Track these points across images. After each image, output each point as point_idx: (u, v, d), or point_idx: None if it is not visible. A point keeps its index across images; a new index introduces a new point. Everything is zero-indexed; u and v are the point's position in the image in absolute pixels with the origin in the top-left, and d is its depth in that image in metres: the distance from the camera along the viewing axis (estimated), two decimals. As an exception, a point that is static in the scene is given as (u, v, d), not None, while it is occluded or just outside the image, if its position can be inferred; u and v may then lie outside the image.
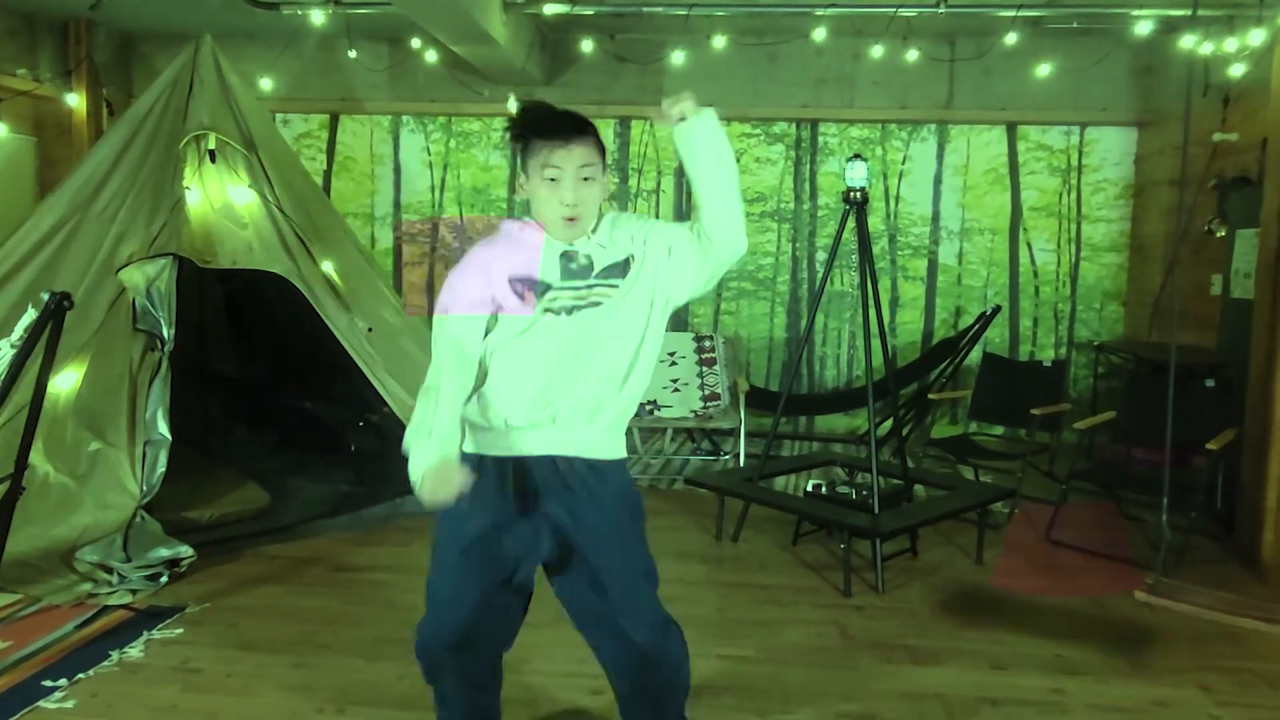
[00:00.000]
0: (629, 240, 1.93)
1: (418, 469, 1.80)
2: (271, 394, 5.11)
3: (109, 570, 3.19)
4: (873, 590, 3.36)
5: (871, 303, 3.57)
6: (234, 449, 4.89)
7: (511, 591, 1.96)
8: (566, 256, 1.89)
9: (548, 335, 1.88)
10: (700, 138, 1.88)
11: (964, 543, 3.83)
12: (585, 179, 1.85)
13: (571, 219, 1.86)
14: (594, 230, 1.91)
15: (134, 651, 2.71)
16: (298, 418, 4.91)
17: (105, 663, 2.63)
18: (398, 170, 6.44)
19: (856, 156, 3.56)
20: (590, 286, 1.89)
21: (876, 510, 3.36)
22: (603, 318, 1.90)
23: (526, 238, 1.92)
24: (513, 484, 1.90)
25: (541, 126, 1.87)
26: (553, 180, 1.84)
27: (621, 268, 1.91)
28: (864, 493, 3.67)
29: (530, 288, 1.88)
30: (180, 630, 2.88)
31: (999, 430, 5.45)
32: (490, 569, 1.92)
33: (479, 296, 1.89)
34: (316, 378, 4.85)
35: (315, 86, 6.30)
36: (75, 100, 5.95)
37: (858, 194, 3.55)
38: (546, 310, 1.88)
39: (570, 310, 1.88)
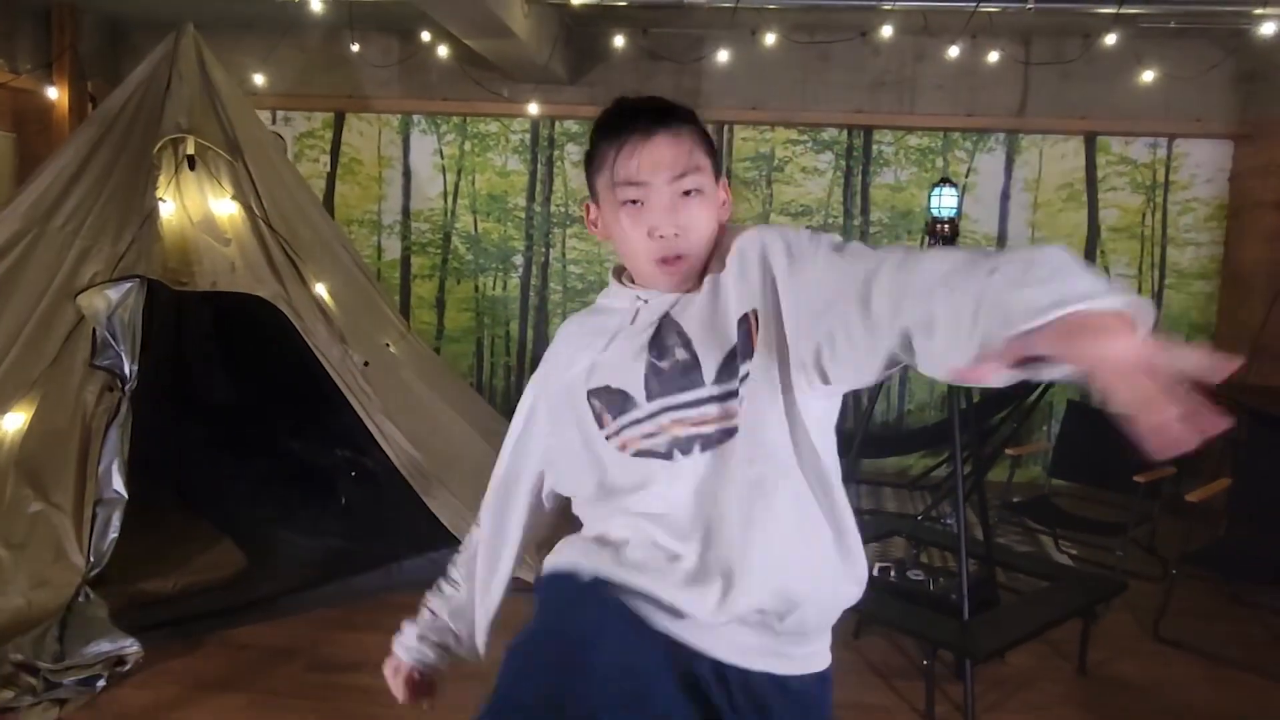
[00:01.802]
0: (744, 282, 1.13)
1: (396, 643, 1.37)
2: (258, 429, 4.56)
3: (35, 672, 2.65)
4: (960, 713, 2.75)
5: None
6: (212, 490, 4.34)
7: None
8: (656, 345, 1.15)
9: (655, 495, 1.13)
10: None
11: (1057, 636, 3.21)
12: (686, 192, 1.15)
13: (671, 259, 1.15)
14: (711, 273, 1.16)
15: (42, 805, 2.17)
16: (285, 458, 4.36)
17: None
18: (407, 174, 5.87)
19: (945, 181, 2.96)
20: (707, 402, 1.11)
21: (967, 615, 2.76)
22: (740, 451, 1.10)
23: (610, 300, 1.25)
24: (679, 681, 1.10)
25: (606, 122, 1.20)
26: (634, 202, 1.15)
27: (744, 349, 1.10)
28: (941, 580, 3.08)
29: (605, 402, 1.17)
30: (106, 769, 2.33)
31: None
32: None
33: (528, 434, 1.32)
34: (307, 412, 4.31)
35: (319, 82, 5.74)
36: (56, 94, 5.42)
37: (946, 226, 2.95)
38: (627, 449, 1.15)
39: (682, 449, 1.12)
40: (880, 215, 5.61)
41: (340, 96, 5.76)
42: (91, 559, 2.99)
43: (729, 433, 1.11)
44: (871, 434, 5.63)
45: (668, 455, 1.13)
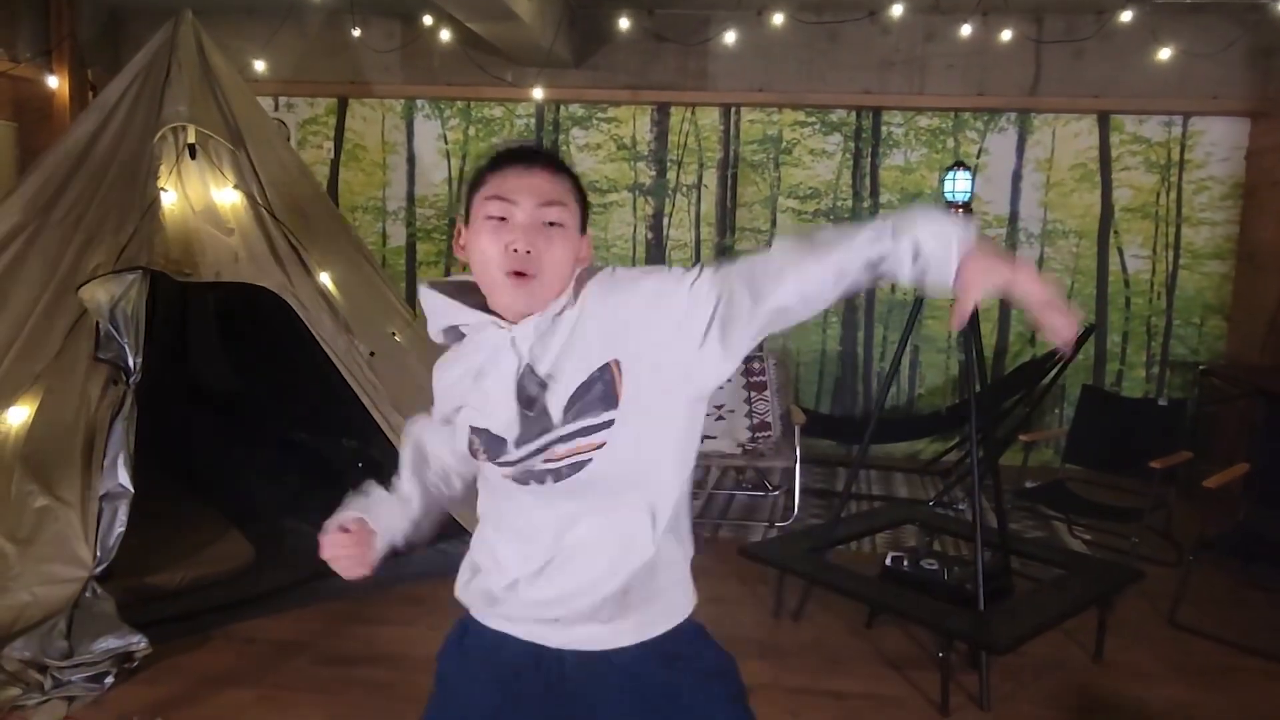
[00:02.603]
0: (604, 331, 1.23)
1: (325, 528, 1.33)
2: (266, 419, 4.54)
3: (43, 669, 2.63)
4: (975, 703, 2.73)
5: (975, 359, 2.92)
6: (220, 481, 4.31)
7: None
8: (522, 392, 1.24)
9: (526, 514, 1.29)
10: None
11: (1071, 624, 3.17)
12: (549, 223, 1.22)
13: (520, 274, 1.21)
14: (560, 311, 1.24)
15: (50, 805, 2.15)
16: (293, 447, 4.34)
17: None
18: (411, 160, 5.82)
19: (960, 165, 2.89)
20: (558, 442, 1.23)
21: (982, 605, 2.73)
22: (598, 484, 1.24)
23: (472, 333, 1.31)
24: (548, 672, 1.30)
25: (499, 155, 1.28)
26: (499, 219, 1.21)
27: (604, 394, 1.21)
28: (955, 570, 3.04)
29: (483, 443, 1.28)
30: (114, 767, 2.32)
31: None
32: None
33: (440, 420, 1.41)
34: (315, 403, 4.28)
35: (321, 68, 5.68)
36: (56, 82, 5.37)
37: (960, 210, 2.89)
38: (510, 479, 1.29)
39: (537, 479, 1.25)
40: (890, 197, 5.54)
41: (343, 82, 5.70)
42: (98, 554, 2.96)
43: (577, 466, 1.23)
44: (882, 418, 5.58)
45: (524, 483, 1.27)
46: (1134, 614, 3.41)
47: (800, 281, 1.18)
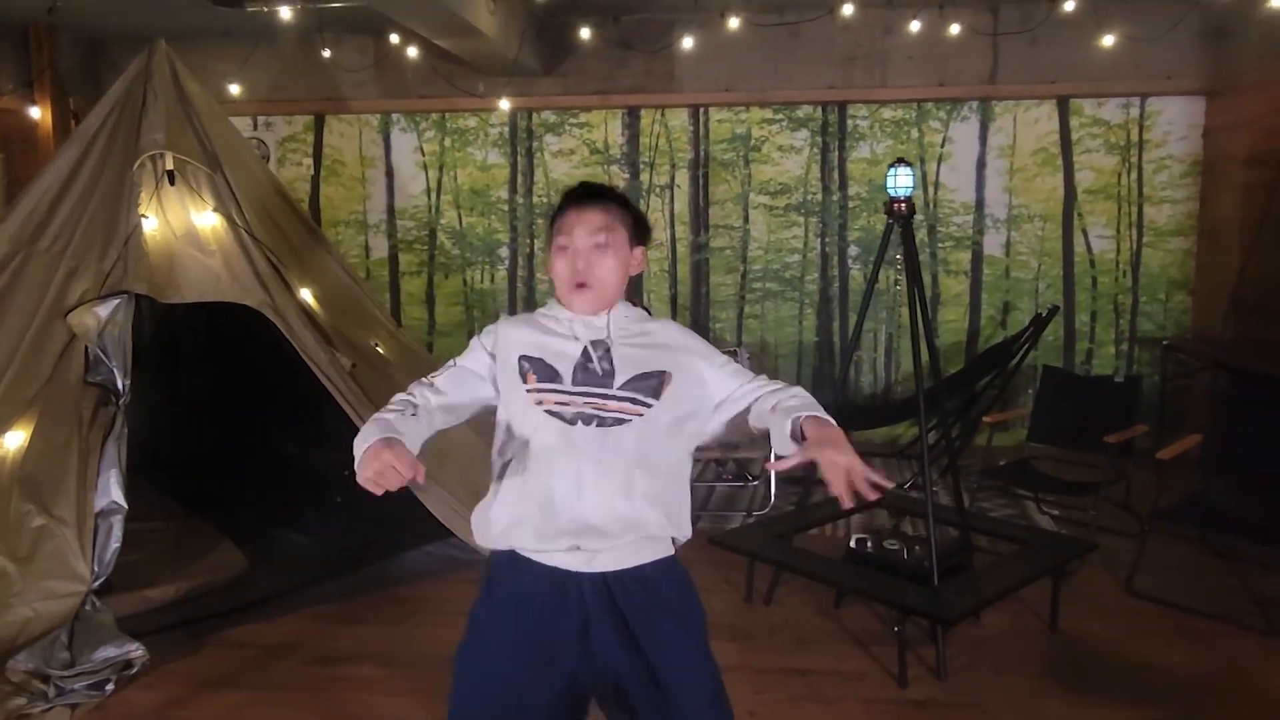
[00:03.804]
0: (665, 351, 1.68)
1: (359, 446, 1.51)
2: (256, 432, 4.67)
3: (46, 679, 2.77)
4: (933, 675, 2.86)
5: (923, 337, 3.05)
6: (212, 493, 4.45)
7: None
8: (586, 355, 1.65)
9: (558, 450, 1.60)
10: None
11: (1031, 596, 3.31)
12: (598, 245, 1.65)
13: (581, 284, 1.65)
14: (614, 321, 1.68)
15: (54, 804, 2.29)
16: (282, 460, 4.47)
17: (17, 824, 2.21)
18: (390, 173, 5.95)
19: (900, 161, 3.01)
20: (613, 397, 1.62)
21: (936, 580, 2.86)
22: (628, 438, 1.60)
23: (550, 313, 1.72)
24: (573, 599, 1.62)
25: (562, 200, 1.73)
26: (562, 247, 1.67)
27: (654, 386, 1.63)
28: (916, 549, 3.17)
29: (535, 368, 1.65)
30: (115, 768, 2.45)
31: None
32: (524, 679, 1.63)
33: (483, 359, 1.71)
34: (302, 415, 4.41)
35: (298, 86, 5.81)
36: (39, 113, 5.50)
37: (903, 205, 3.01)
38: (550, 413, 1.61)
39: (586, 420, 1.61)
40: (858, 189, 5.66)
41: (319, 99, 5.83)
42: (96, 568, 3.09)
43: (621, 421, 1.60)
44: (860, 405, 5.73)
45: (571, 422, 1.60)
46: (1092, 584, 3.55)
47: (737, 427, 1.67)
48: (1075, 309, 5.60)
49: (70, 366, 3.49)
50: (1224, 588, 3.52)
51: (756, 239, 5.76)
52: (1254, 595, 3.39)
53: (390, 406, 1.63)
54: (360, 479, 1.47)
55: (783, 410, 1.54)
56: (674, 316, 5.83)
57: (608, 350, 1.64)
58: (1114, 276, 5.56)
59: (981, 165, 5.57)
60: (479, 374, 1.69)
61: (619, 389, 1.61)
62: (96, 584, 3.08)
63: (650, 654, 1.59)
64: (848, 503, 1.42)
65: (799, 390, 1.62)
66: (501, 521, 1.63)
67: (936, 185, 5.61)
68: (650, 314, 1.77)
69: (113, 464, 3.31)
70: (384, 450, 1.45)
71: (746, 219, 5.75)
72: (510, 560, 1.64)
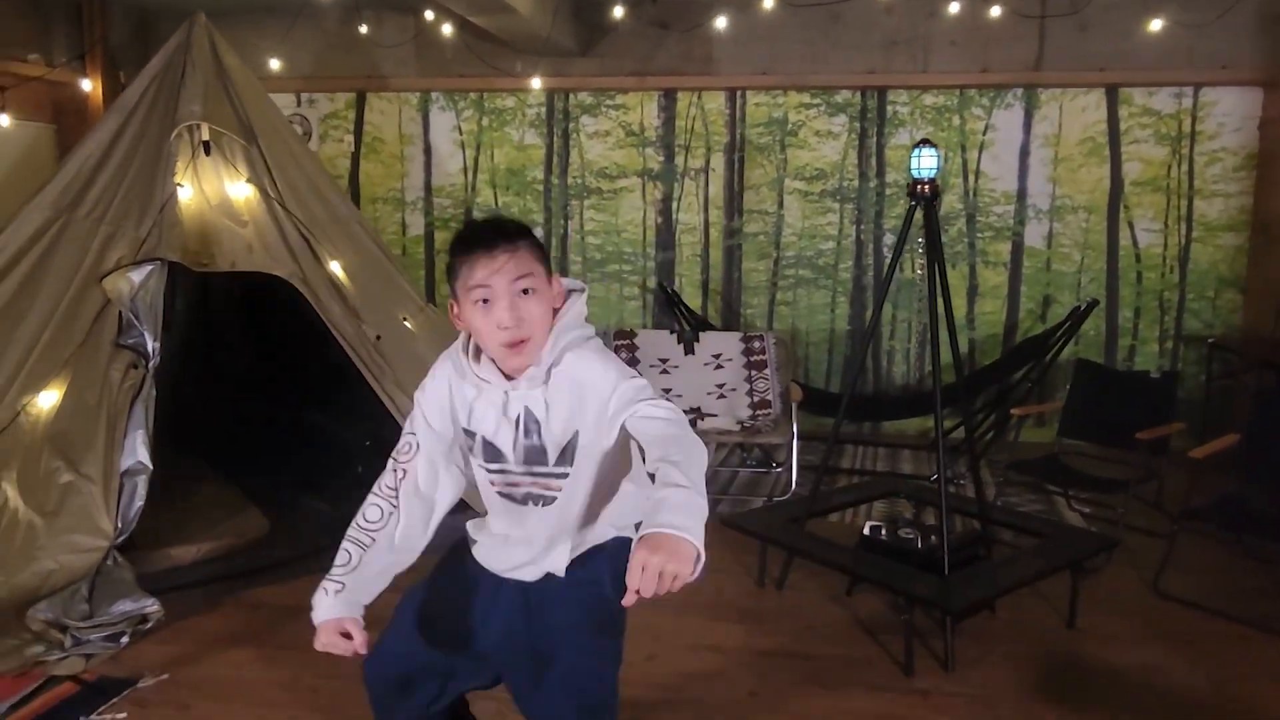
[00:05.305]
0: (573, 407, 1.57)
1: (317, 614, 1.66)
2: (286, 399, 4.75)
3: (64, 629, 2.85)
4: (941, 666, 2.81)
5: (943, 320, 2.99)
6: (241, 461, 4.54)
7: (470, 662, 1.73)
8: (523, 428, 1.59)
9: (513, 526, 1.67)
10: None
11: (1052, 593, 3.23)
12: (524, 291, 1.52)
13: (515, 343, 1.53)
14: (548, 369, 1.57)
15: (62, 747, 2.36)
16: (309, 430, 4.54)
17: (25, 764, 2.28)
18: (428, 151, 6.00)
19: (925, 142, 2.94)
20: (551, 475, 1.61)
21: (946, 571, 2.81)
22: (571, 504, 1.63)
23: (483, 374, 1.60)
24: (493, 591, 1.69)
25: (460, 242, 1.57)
26: (482, 301, 1.52)
27: (570, 447, 1.59)
28: (932, 539, 3.11)
29: (482, 449, 1.63)
30: (124, 715, 2.50)
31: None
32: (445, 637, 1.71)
33: (438, 435, 1.68)
34: (329, 386, 4.48)
35: (340, 63, 5.88)
36: (90, 85, 5.65)
37: (927, 187, 2.95)
38: (502, 495, 1.65)
39: (534, 500, 1.63)
40: (896, 177, 5.56)
41: (360, 77, 5.89)
42: (119, 525, 3.18)
43: (551, 499, 1.62)
44: (892, 397, 5.64)
45: (522, 503, 1.63)
46: (1117, 583, 3.45)
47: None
48: (1119, 304, 5.44)
49: (104, 330, 3.58)
50: (1256, 591, 3.40)
51: (791, 225, 5.70)
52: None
53: (351, 535, 1.69)
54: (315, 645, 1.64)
55: (651, 502, 1.34)
56: (705, 301, 5.79)
57: (538, 424, 1.58)
58: (1160, 272, 5.39)
59: (1025, 154, 5.44)
60: (444, 447, 1.67)
61: (554, 465, 1.60)
62: (119, 540, 3.16)
63: (539, 644, 1.62)
64: (630, 598, 1.26)
65: (680, 481, 1.33)
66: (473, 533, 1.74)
67: (977, 174, 5.49)
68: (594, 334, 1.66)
69: (140, 425, 3.39)
70: (323, 632, 1.63)
71: (781, 205, 5.69)
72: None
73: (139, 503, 3.26)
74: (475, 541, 1.74)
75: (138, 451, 3.33)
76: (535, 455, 1.60)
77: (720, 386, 4.62)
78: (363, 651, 1.63)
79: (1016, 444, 4.34)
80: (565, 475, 1.60)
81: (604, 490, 1.63)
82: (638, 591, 1.23)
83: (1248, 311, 5.27)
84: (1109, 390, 4.18)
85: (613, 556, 1.64)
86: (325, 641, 1.63)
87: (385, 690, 1.73)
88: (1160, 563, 3.38)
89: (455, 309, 1.58)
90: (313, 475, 4.27)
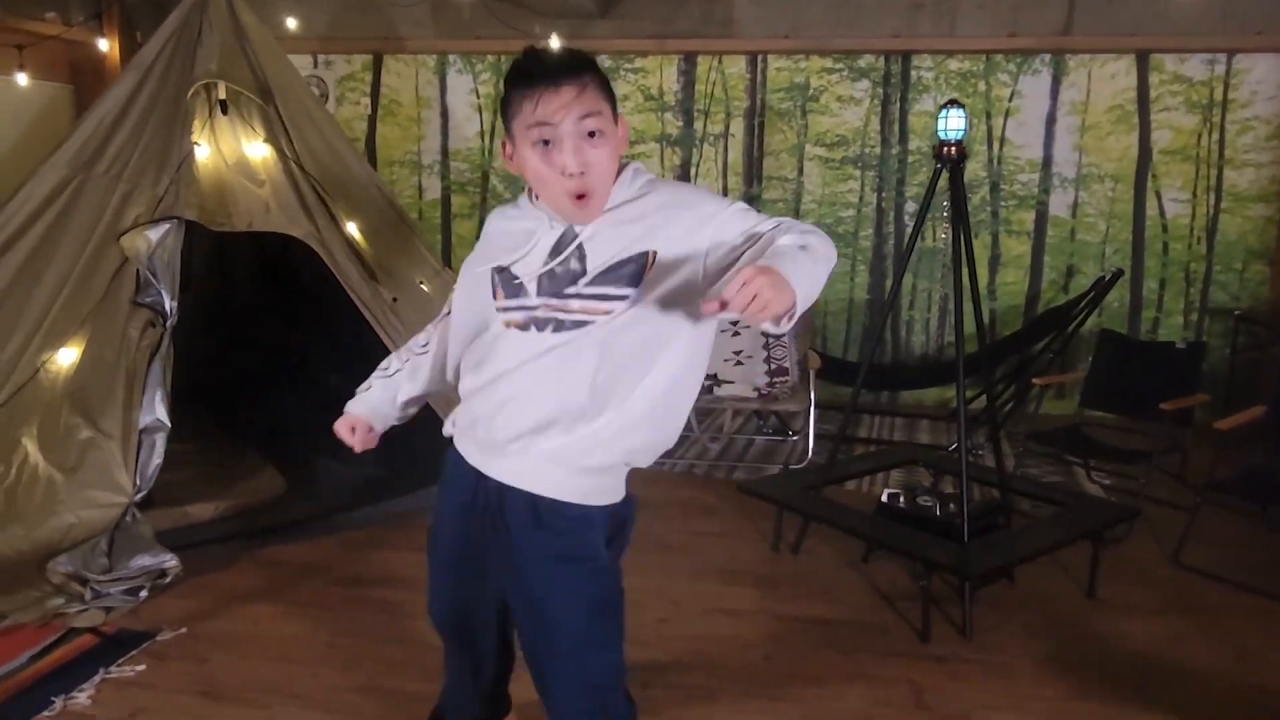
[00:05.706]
0: (654, 227, 1.38)
1: (348, 406, 1.81)
2: (304, 360, 4.76)
3: (84, 582, 2.88)
4: (959, 633, 2.79)
5: (967, 289, 2.94)
6: (259, 421, 4.56)
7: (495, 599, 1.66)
8: (556, 250, 1.41)
9: (508, 353, 1.46)
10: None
11: (1072, 563, 3.21)
12: (590, 134, 1.35)
13: (582, 195, 1.37)
14: (620, 204, 1.41)
15: (82, 697, 2.37)
16: (327, 391, 4.54)
17: (45, 712, 2.29)
18: (445, 114, 5.94)
19: (953, 102, 2.88)
20: (576, 296, 1.38)
21: (965, 538, 2.78)
22: (587, 347, 1.39)
23: (530, 212, 1.50)
24: (481, 499, 1.54)
25: (519, 73, 1.38)
26: (543, 141, 1.35)
27: (631, 272, 1.37)
28: (950, 507, 3.08)
29: (502, 280, 1.48)
30: (142, 667, 2.53)
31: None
32: (462, 570, 1.67)
33: (479, 270, 1.55)
34: (347, 347, 4.47)
35: (356, 24, 5.82)
36: (106, 45, 5.62)
37: (953, 149, 2.89)
38: (506, 322, 1.45)
39: (540, 325, 1.41)
40: (919, 144, 5.48)
41: (377, 38, 5.83)
42: (138, 482, 3.20)
43: (580, 324, 1.38)
44: (911, 366, 5.60)
45: (524, 327, 1.42)
46: (1139, 554, 3.42)
47: None
48: (1144, 275, 5.36)
49: (122, 288, 3.57)
50: (1276, 563, 3.36)
51: (810, 192, 5.62)
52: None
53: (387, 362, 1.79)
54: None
55: (769, 250, 1.28)
56: (723, 269, 5.73)
57: (581, 251, 1.40)
58: (1187, 243, 5.30)
59: (1051, 121, 5.34)
60: (476, 305, 1.56)
61: (585, 285, 1.38)
62: (138, 496, 3.18)
63: (528, 587, 1.53)
64: (712, 306, 1.16)
65: (810, 229, 1.34)
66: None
67: (1002, 141, 5.40)
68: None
69: (158, 383, 3.40)
70: (342, 422, 1.79)
71: (801, 171, 5.61)
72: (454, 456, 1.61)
73: (157, 460, 3.27)
74: (455, 426, 1.58)
75: (156, 409, 3.34)
76: (565, 280, 1.39)
77: (737, 353, 4.59)
78: (357, 450, 1.79)
79: (1037, 415, 4.29)
80: (623, 298, 1.36)
81: (654, 352, 1.38)
82: (724, 304, 1.13)
83: (1276, 284, 5.17)
84: (1132, 360, 4.12)
85: (608, 517, 1.52)
86: (337, 427, 1.79)
87: (446, 633, 1.78)
88: (1182, 534, 3.34)
89: (508, 149, 1.42)
90: (328, 436, 4.27)
